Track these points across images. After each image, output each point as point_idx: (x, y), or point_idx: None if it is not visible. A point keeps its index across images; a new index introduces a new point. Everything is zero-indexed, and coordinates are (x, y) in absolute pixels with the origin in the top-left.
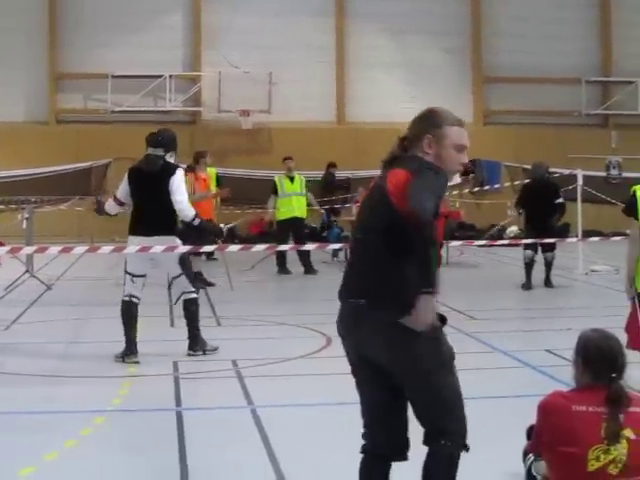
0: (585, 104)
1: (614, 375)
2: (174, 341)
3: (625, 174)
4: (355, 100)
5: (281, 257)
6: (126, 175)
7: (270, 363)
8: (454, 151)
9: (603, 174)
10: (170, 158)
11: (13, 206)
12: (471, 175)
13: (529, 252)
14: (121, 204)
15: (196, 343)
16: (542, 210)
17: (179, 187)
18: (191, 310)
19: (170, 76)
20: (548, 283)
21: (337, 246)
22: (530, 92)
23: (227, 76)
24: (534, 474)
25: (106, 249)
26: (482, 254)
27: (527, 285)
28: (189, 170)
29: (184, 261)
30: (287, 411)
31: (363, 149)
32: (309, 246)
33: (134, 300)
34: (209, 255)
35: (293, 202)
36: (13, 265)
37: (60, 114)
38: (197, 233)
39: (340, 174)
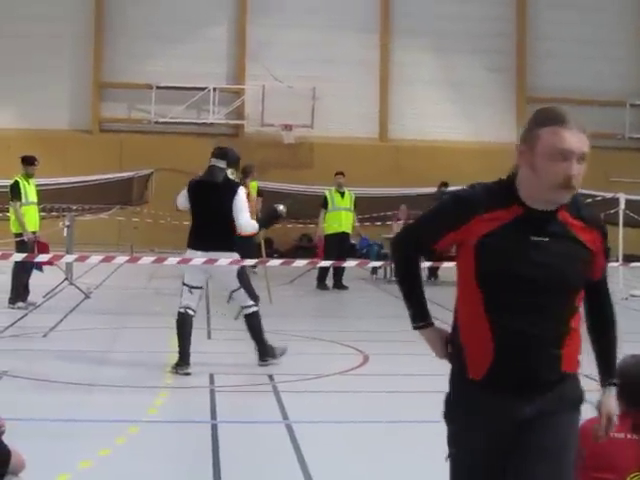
0: (629, 127)
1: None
2: (211, 353)
3: None
4: (397, 117)
5: (323, 272)
6: (186, 187)
7: (307, 379)
8: (549, 159)
9: None
10: (231, 175)
11: (55, 213)
12: None
13: None
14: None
15: (265, 353)
16: None
17: (243, 208)
18: (253, 324)
19: (214, 89)
20: None
21: (377, 264)
22: (573, 114)
23: (270, 90)
24: None
25: (147, 260)
26: None
27: None
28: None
29: (242, 275)
30: (322, 428)
31: (404, 166)
32: (349, 263)
33: (189, 312)
34: (252, 268)
35: (342, 217)
36: (53, 272)
37: (104, 123)
38: (242, 250)
39: (380, 191)
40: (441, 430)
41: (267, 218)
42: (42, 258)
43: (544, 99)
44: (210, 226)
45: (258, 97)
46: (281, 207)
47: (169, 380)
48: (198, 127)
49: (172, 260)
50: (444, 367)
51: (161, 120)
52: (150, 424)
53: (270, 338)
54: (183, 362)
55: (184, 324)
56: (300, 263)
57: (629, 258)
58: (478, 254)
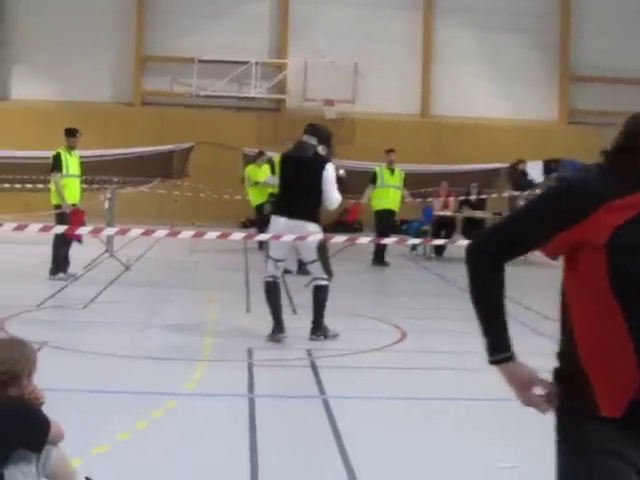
0: None
1: None
2: (249, 327)
3: None
4: (439, 94)
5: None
6: (279, 160)
7: (344, 354)
8: None
9: None
10: (322, 152)
11: (96, 186)
12: (554, 174)
13: None
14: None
15: (319, 329)
16: None
17: (332, 183)
18: (319, 297)
19: (256, 63)
20: None
21: (417, 241)
22: (616, 93)
23: (313, 65)
24: None
25: (187, 234)
26: None
27: None
28: None
29: (322, 248)
30: (358, 403)
31: (446, 143)
32: (389, 240)
33: (277, 280)
34: None
35: (390, 194)
36: (93, 244)
37: (145, 96)
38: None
39: (421, 168)
40: (474, 406)
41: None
42: (82, 230)
43: (587, 77)
44: (297, 196)
45: (300, 72)
46: (341, 172)
47: (207, 353)
48: (239, 101)
49: (212, 234)
50: (475, 345)
51: (202, 94)
52: (188, 397)
53: (308, 313)
54: (278, 329)
55: (273, 291)
56: (339, 239)
57: None
58: (613, 253)
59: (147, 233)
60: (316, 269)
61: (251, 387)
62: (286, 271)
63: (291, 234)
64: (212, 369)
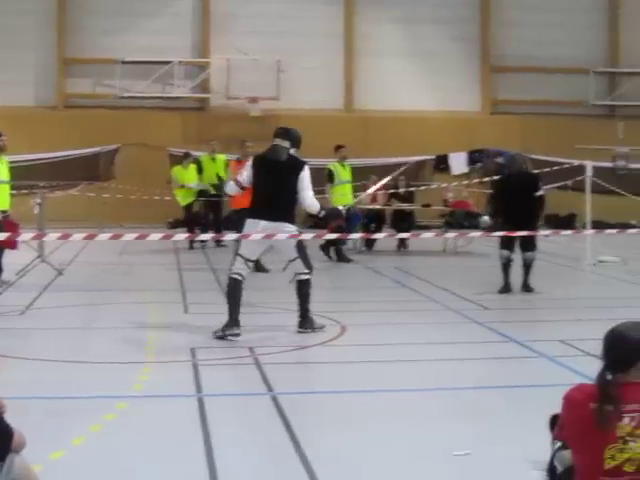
0: (593, 94)
1: (605, 364)
2: (190, 327)
3: (632, 165)
4: (363, 88)
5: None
6: (251, 162)
7: (287, 351)
8: None
9: (610, 165)
10: (295, 154)
11: (24, 191)
12: (478, 165)
13: (505, 252)
14: (242, 188)
15: (306, 322)
16: (521, 204)
17: (309, 185)
18: (304, 291)
19: (179, 62)
20: (527, 287)
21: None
22: (538, 82)
23: (236, 63)
24: (555, 464)
25: (129, 236)
26: (491, 243)
27: (505, 288)
28: (237, 161)
29: (300, 246)
30: (307, 398)
31: (371, 137)
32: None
33: (240, 278)
34: (218, 242)
35: (347, 189)
36: (24, 249)
37: (69, 99)
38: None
39: (348, 162)
40: (421, 397)
41: (334, 213)
42: (23, 237)
43: (509, 68)
44: (275, 198)
45: (223, 70)
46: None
47: (151, 355)
48: (163, 101)
49: (155, 236)
50: (418, 336)
51: (126, 95)
52: (137, 399)
53: (249, 311)
54: (233, 324)
55: (236, 288)
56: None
57: (596, 225)
58: None
59: (90, 237)
60: (298, 265)
61: (199, 386)
62: (264, 270)
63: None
64: (158, 370)
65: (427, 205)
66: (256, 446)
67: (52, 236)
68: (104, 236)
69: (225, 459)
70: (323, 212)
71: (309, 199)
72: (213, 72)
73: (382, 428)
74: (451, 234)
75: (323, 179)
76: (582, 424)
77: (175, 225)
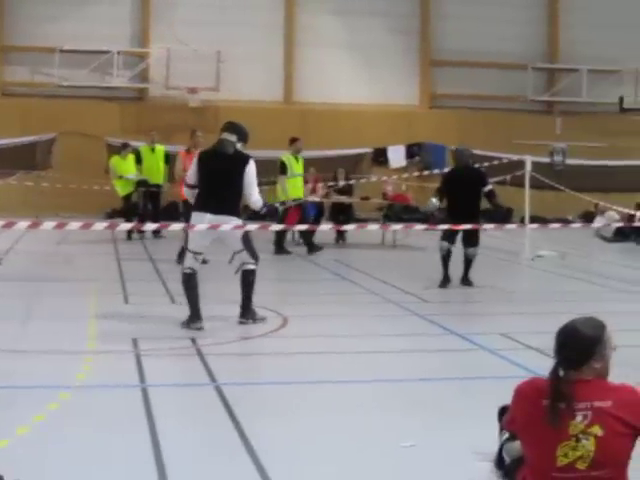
0: (531, 90)
1: (557, 361)
2: (130, 318)
3: (569, 161)
4: (303, 80)
5: (281, 237)
6: (196, 158)
7: (229, 342)
8: None
9: (547, 160)
10: (241, 148)
11: None
12: (417, 158)
13: (445, 244)
14: (193, 187)
15: (248, 312)
16: (465, 198)
17: (254, 180)
18: (248, 280)
19: (118, 52)
20: (466, 281)
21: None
22: (476, 77)
23: (175, 53)
24: (503, 455)
25: (75, 225)
26: (429, 237)
27: (444, 281)
28: (187, 152)
29: (246, 238)
30: (251, 389)
31: (310, 129)
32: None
33: (195, 272)
34: (156, 233)
35: (298, 182)
36: None
37: (6, 87)
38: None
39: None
40: (365, 388)
41: (272, 209)
42: None
43: (447, 62)
44: (220, 191)
45: (163, 60)
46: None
47: (92, 345)
48: (102, 91)
49: (100, 225)
50: (359, 328)
51: (65, 84)
52: (80, 389)
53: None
54: (196, 317)
55: (191, 282)
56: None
57: (534, 219)
58: None
59: (34, 225)
60: (244, 256)
61: (142, 377)
62: (203, 261)
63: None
64: (100, 360)
65: (366, 198)
66: (202, 436)
67: None
68: (49, 224)
69: (171, 449)
70: (265, 209)
71: (255, 195)
72: (152, 62)
73: (326, 419)
74: (397, 226)
75: (271, 171)
76: (533, 419)
77: (112, 215)
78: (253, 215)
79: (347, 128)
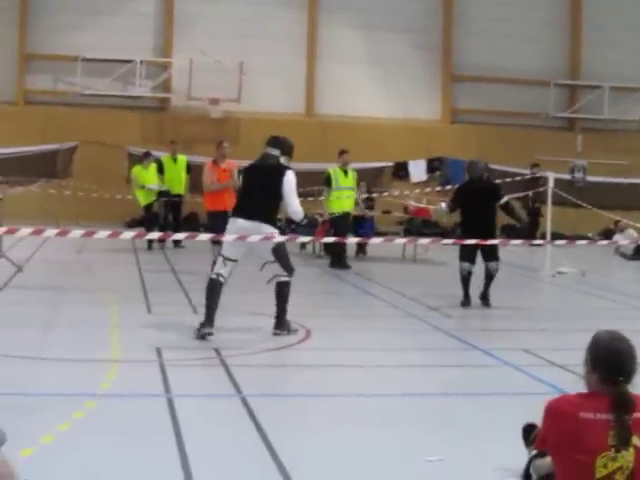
0: (552, 107)
1: (620, 379)
2: (154, 327)
3: (589, 178)
4: (324, 93)
5: (340, 250)
6: (244, 170)
7: (253, 353)
8: None
9: (568, 177)
10: (285, 162)
11: None
12: (437, 173)
13: (465, 264)
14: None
15: (282, 324)
16: (480, 213)
17: (292, 191)
18: (282, 292)
19: (141, 62)
20: (485, 300)
21: (306, 239)
22: (498, 92)
23: (198, 64)
24: (531, 472)
25: (103, 233)
26: (449, 252)
27: (465, 302)
28: (213, 163)
29: (278, 249)
30: (277, 401)
31: (330, 142)
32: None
33: (220, 279)
34: (177, 243)
35: (344, 194)
36: None
37: (28, 95)
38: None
39: (307, 167)
40: (391, 402)
41: (311, 220)
42: None
43: (469, 77)
44: (254, 199)
45: (185, 71)
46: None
47: (116, 355)
48: (124, 100)
49: (127, 235)
50: (382, 342)
51: (87, 92)
52: (105, 398)
53: (217, 313)
54: (208, 323)
55: (214, 288)
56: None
57: (555, 236)
58: None
59: (62, 233)
60: (276, 268)
61: (167, 387)
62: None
63: (247, 235)
64: (124, 369)
65: (387, 212)
66: (228, 445)
67: (24, 231)
68: (77, 232)
69: (199, 458)
70: (305, 220)
71: (294, 206)
72: (175, 72)
73: (352, 432)
74: (424, 241)
75: (320, 182)
76: (570, 434)
77: (132, 225)
78: (296, 226)
79: (367, 142)
